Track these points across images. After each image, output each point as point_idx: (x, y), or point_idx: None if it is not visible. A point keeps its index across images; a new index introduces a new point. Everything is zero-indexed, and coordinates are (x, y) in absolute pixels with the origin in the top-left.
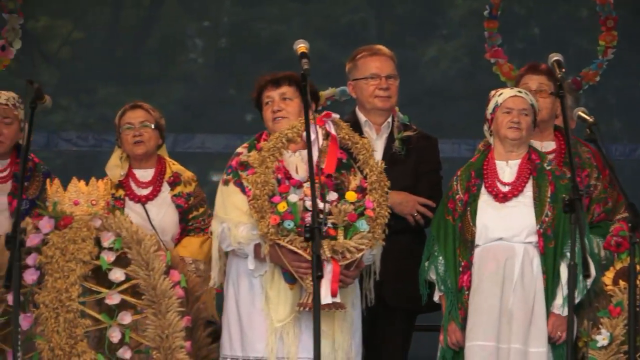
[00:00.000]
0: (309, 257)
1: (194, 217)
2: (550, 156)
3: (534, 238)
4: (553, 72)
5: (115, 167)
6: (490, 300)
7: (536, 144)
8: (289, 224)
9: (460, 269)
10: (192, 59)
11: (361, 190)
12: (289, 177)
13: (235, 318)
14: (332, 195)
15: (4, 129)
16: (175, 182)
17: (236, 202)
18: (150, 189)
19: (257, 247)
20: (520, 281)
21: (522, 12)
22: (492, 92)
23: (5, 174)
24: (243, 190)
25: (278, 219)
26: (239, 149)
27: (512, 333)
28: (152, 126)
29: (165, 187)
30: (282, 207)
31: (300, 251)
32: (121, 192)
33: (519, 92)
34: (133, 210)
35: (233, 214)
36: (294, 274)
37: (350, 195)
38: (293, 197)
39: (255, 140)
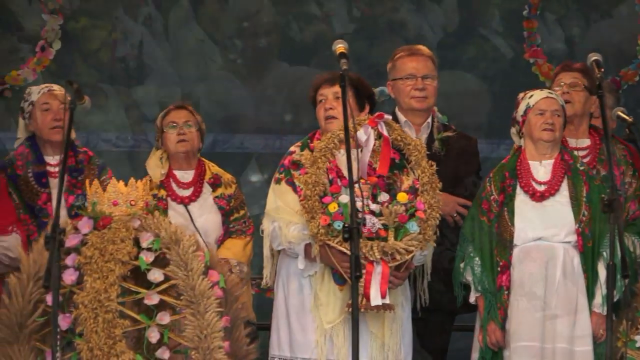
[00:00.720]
0: (370, 257)
1: (235, 219)
2: (584, 152)
3: (573, 237)
4: (587, 70)
5: (156, 167)
6: (533, 300)
7: (571, 141)
8: (339, 225)
9: (499, 269)
10: (232, 59)
11: (413, 191)
12: (341, 176)
13: (285, 318)
14: (384, 196)
15: (62, 115)
16: (216, 183)
17: (288, 201)
18: (191, 190)
19: (308, 247)
20: (562, 281)
21: (562, 12)
22: (521, 95)
23: (60, 168)
24: (295, 189)
25: (328, 220)
26: (292, 148)
27: (556, 333)
28: (195, 127)
29: (207, 189)
30: (332, 207)
31: (349, 251)
32: (163, 192)
33: (550, 93)
34: (176, 211)
35: (284, 213)
36: (344, 274)
37: (402, 197)
38: (344, 198)
39: (308, 140)
